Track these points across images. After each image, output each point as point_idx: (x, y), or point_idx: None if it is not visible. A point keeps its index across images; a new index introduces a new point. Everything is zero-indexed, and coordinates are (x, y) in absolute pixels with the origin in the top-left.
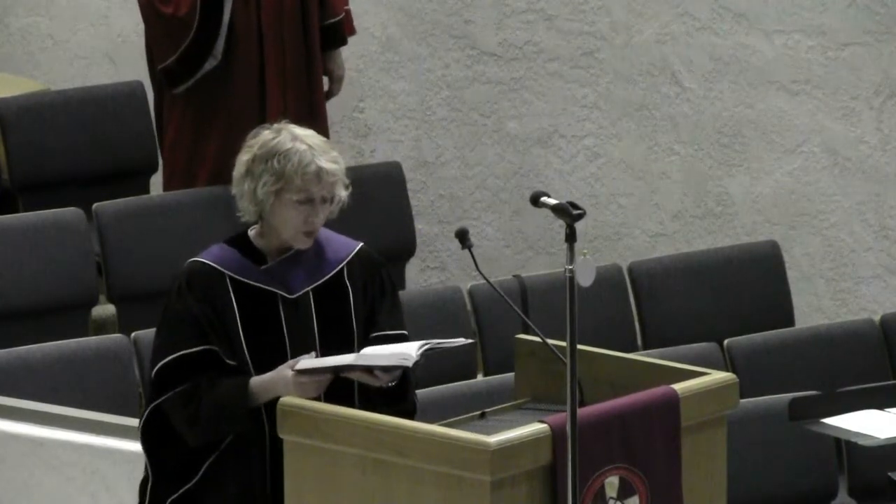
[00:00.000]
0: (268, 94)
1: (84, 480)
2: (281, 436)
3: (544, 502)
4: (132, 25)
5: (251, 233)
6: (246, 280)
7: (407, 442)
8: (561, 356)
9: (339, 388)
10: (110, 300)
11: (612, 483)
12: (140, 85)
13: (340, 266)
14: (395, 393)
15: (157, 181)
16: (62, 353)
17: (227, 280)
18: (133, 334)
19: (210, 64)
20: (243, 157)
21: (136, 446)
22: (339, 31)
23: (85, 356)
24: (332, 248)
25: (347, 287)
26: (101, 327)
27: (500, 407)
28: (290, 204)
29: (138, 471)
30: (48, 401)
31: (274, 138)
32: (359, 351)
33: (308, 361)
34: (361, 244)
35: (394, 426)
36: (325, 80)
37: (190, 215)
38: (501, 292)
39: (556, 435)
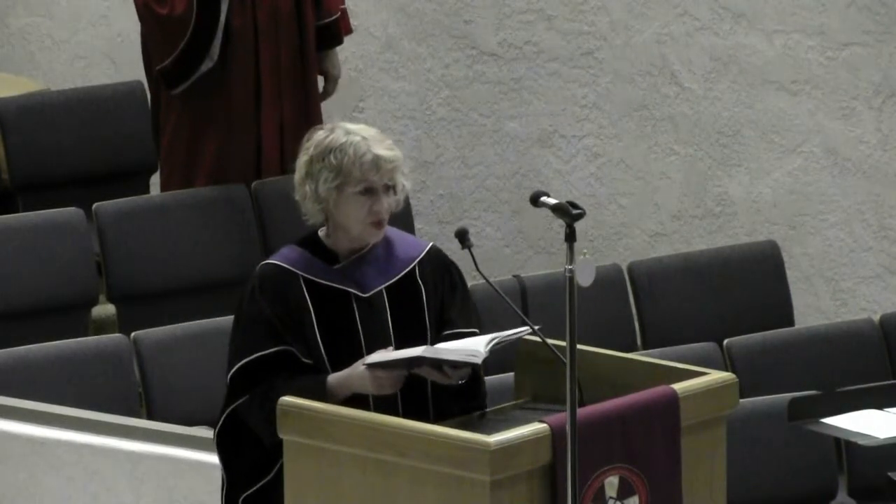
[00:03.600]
0: (263, 94)
1: (84, 480)
2: (281, 436)
3: (544, 502)
4: (132, 25)
5: (320, 233)
6: (319, 280)
7: (407, 442)
8: (561, 356)
9: (413, 386)
10: (110, 300)
11: (611, 483)
12: (140, 85)
13: (412, 265)
14: (468, 391)
15: (157, 181)
16: (62, 353)
17: (301, 280)
18: (133, 334)
19: (206, 65)
20: (301, 160)
21: (136, 446)
22: (335, 31)
23: (85, 356)
24: (402, 248)
25: (420, 285)
26: (101, 327)
27: (500, 407)
28: (352, 197)
29: (138, 471)
30: (48, 401)
31: (327, 136)
32: None
33: (377, 355)
34: (432, 244)
35: (394, 426)
36: (321, 79)
37: (190, 215)
38: (501, 292)
39: (556, 435)
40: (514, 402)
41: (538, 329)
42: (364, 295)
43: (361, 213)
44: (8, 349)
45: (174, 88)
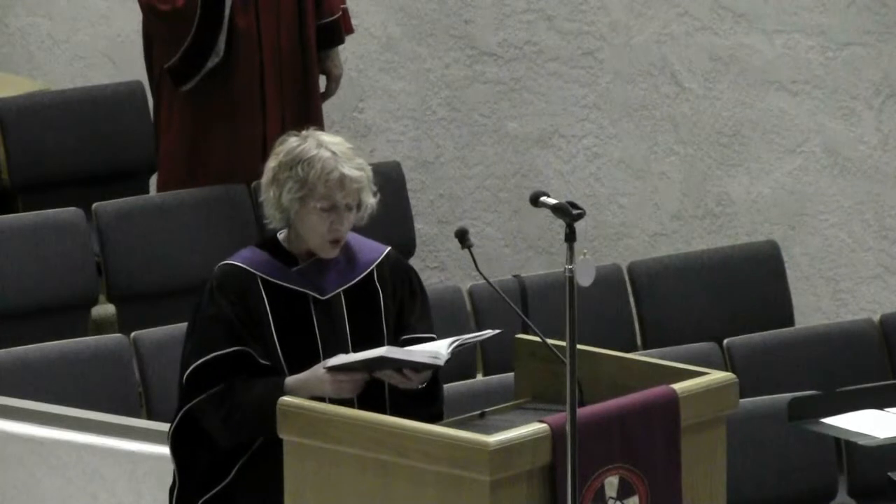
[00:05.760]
0: (266, 93)
1: (84, 480)
2: (281, 436)
3: (544, 502)
4: (132, 25)
5: (280, 236)
6: (277, 281)
7: (407, 442)
8: (561, 356)
9: (371, 390)
10: (110, 300)
11: (611, 483)
12: (140, 85)
13: (370, 268)
14: (427, 396)
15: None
16: (62, 353)
17: (259, 282)
18: (133, 334)
19: (213, 61)
20: (270, 164)
21: (136, 446)
22: (336, 30)
23: (85, 356)
24: (361, 252)
25: (378, 289)
26: (101, 327)
27: (499, 407)
28: (314, 211)
29: (138, 471)
30: (48, 401)
31: (299, 145)
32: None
33: (338, 358)
34: (390, 248)
35: (394, 426)
36: (323, 79)
37: (190, 215)
38: (501, 292)
39: (556, 435)
40: (514, 402)
41: (500, 332)
42: (322, 297)
43: (321, 228)
44: (8, 349)
45: (182, 86)
